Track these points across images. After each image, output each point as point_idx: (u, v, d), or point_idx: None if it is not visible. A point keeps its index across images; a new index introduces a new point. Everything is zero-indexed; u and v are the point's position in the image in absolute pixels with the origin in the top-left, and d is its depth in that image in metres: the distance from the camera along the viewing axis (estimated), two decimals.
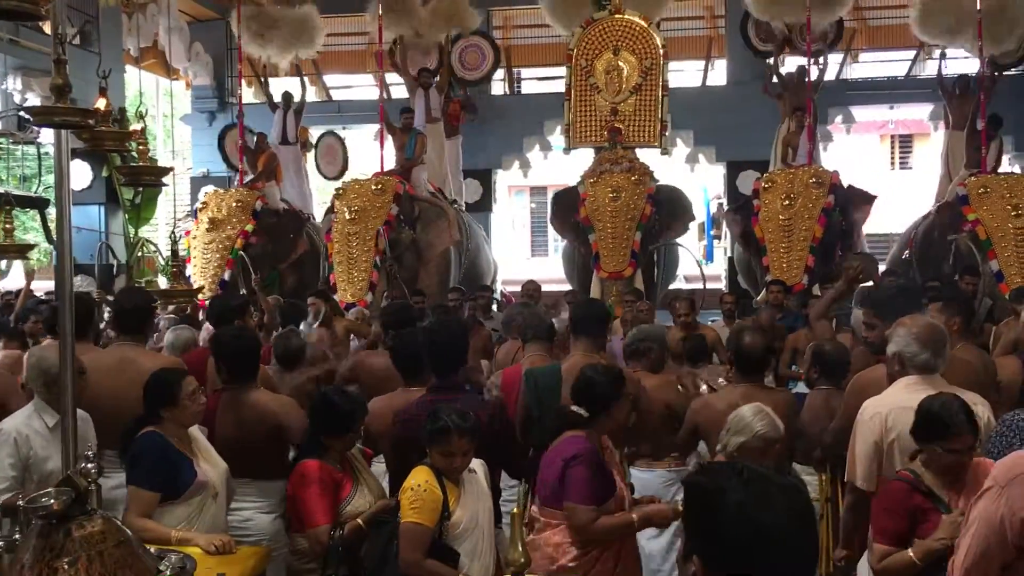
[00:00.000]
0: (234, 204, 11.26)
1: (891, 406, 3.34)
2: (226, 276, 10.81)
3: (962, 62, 14.00)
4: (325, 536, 3.34)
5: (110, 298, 7.66)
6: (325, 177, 14.35)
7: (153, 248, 13.48)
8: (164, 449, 3.43)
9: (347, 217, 10.60)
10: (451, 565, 3.18)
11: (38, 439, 3.59)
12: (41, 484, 3.49)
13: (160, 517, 3.38)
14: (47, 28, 11.99)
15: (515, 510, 2.85)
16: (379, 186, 10.88)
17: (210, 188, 12.77)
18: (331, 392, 3.70)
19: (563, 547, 3.30)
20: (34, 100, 12.18)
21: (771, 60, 12.84)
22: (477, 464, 3.46)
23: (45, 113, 2.52)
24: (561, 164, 16.59)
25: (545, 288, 9.19)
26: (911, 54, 15.48)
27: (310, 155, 14.13)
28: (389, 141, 11.95)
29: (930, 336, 3.40)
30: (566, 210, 10.76)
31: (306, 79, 14.71)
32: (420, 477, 3.23)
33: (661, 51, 10.85)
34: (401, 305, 6.18)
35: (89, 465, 2.38)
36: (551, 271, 14.71)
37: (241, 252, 10.72)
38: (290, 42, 13.17)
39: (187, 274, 10.64)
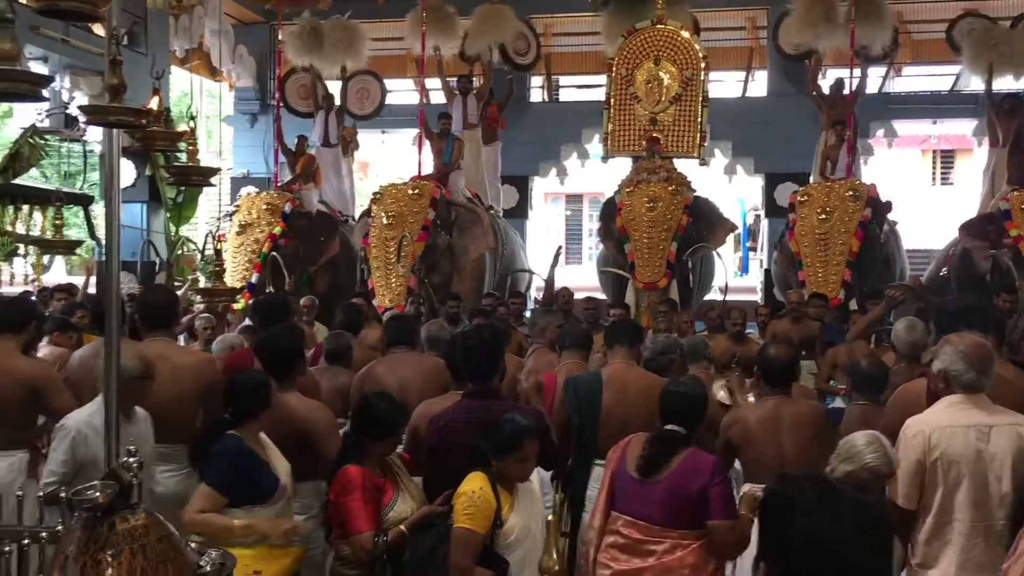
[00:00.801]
0: (263, 207, 11.30)
1: (934, 425, 3.29)
2: (254, 279, 10.85)
3: (1009, 79, 13.83)
4: (369, 543, 3.32)
5: None
6: (354, 116, 13.96)
7: (193, 247, 13.64)
8: (247, 456, 3.46)
9: (384, 222, 10.65)
10: (499, 574, 3.17)
11: (98, 439, 3.60)
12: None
13: (245, 519, 3.39)
14: (97, 28, 12.22)
15: (550, 518, 2.86)
16: (416, 191, 10.93)
17: (250, 189, 12.90)
18: (373, 396, 3.66)
19: (699, 567, 3.27)
20: (82, 99, 12.38)
21: (810, 65, 12.73)
22: (533, 474, 3.48)
23: (99, 112, 2.55)
24: (597, 172, 16.57)
25: (579, 296, 9.19)
26: (955, 68, 15.27)
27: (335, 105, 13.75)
28: (427, 146, 12.02)
29: (977, 355, 3.33)
30: (609, 218, 10.74)
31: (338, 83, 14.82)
32: (475, 483, 3.23)
33: (702, 62, 10.80)
34: (403, 318, 6.09)
35: (131, 460, 2.42)
36: (585, 279, 14.68)
37: (274, 254, 10.75)
38: (337, 54, 13.23)
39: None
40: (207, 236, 10.92)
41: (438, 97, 14.15)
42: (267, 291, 10.43)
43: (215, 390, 4.39)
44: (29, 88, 2.18)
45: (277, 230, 11.14)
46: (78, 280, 9.70)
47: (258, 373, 3.82)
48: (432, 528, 3.35)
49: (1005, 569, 2.56)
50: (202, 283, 9.87)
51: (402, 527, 3.39)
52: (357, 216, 13.24)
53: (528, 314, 9.40)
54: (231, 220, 11.31)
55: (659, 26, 10.93)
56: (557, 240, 24.94)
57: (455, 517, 3.21)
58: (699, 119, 10.71)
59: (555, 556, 2.78)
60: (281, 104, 13.16)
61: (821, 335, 7.61)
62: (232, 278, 10.59)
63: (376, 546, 3.32)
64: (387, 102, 15.94)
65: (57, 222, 3.31)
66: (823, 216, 10.15)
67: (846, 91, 11.81)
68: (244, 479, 3.43)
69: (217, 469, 3.40)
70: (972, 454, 3.23)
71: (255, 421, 3.56)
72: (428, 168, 11.81)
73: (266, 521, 3.35)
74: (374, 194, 11.32)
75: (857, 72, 11.80)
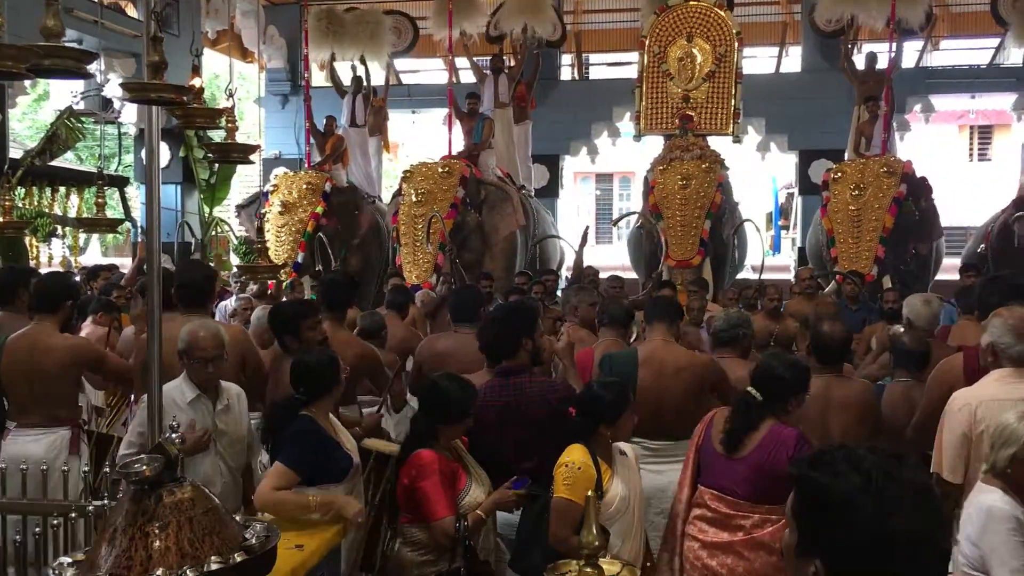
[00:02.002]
0: (304, 186, 11.33)
1: (981, 398, 3.29)
2: (299, 259, 10.91)
3: None
4: (452, 528, 3.28)
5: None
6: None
7: (227, 227, 13.74)
8: (319, 436, 3.52)
9: (413, 199, 10.68)
10: (601, 544, 3.17)
11: (176, 411, 3.63)
12: None
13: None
14: (130, 10, 12.30)
15: (590, 493, 2.86)
16: (446, 169, 10.93)
17: (282, 170, 12.96)
18: (442, 379, 3.57)
19: None
20: (116, 81, 12.45)
21: (845, 42, 12.56)
22: (628, 447, 3.53)
23: (140, 89, 2.56)
24: (627, 151, 16.45)
25: (606, 275, 9.15)
26: (994, 42, 14.97)
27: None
28: (458, 125, 12.00)
29: None
30: None
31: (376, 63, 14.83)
32: (576, 455, 3.29)
33: (736, 38, 10.67)
34: (442, 299, 6.22)
35: (174, 435, 2.45)
36: (615, 258, 14.62)
37: (321, 235, 10.80)
38: (358, 44, 13.27)
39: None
40: (255, 216, 11.00)
41: (468, 76, 14.11)
42: (315, 270, 10.52)
43: (250, 363, 4.51)
44: (75, 64, 2.19)
45: (319, 209, 11.19)
46: (117, 262, 9.79)
47: (324, 352, 3.87)
48: (537, 499, 3.39)
49: None
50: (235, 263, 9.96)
51: (479, 512, 3.36)
52: (383, 196, 13.32)
53: (559, 292, 9.38)
54: (268, 200, 11.34)
55: (692, 2, 10.80)
56: (587, 219, 24.99)
57: (555, 488, 3.26)
58: (733, 96, 10.60)
59: (594, 532, 2.78)
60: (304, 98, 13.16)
61: (839, 311, 7.60)
62: (278, 257, 10.65)
63: (458, 531, 3.29)
64: (417, 82, 15.95)
65: (100, 201, 3.35)
66: (856, 192, 10.06)
67: (881, 65, 11.63)
68: (319, 459, 3.47)
69: (292, 449, 3.43)
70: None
71: (327, 398, 3.63)
72: (458, 148, 11.79)
73: (342, 498, 3.39)
74: (404, 172, 11.34)
75: (895, 46, 11.60)
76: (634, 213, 10.34)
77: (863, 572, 1.38)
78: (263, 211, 11.17)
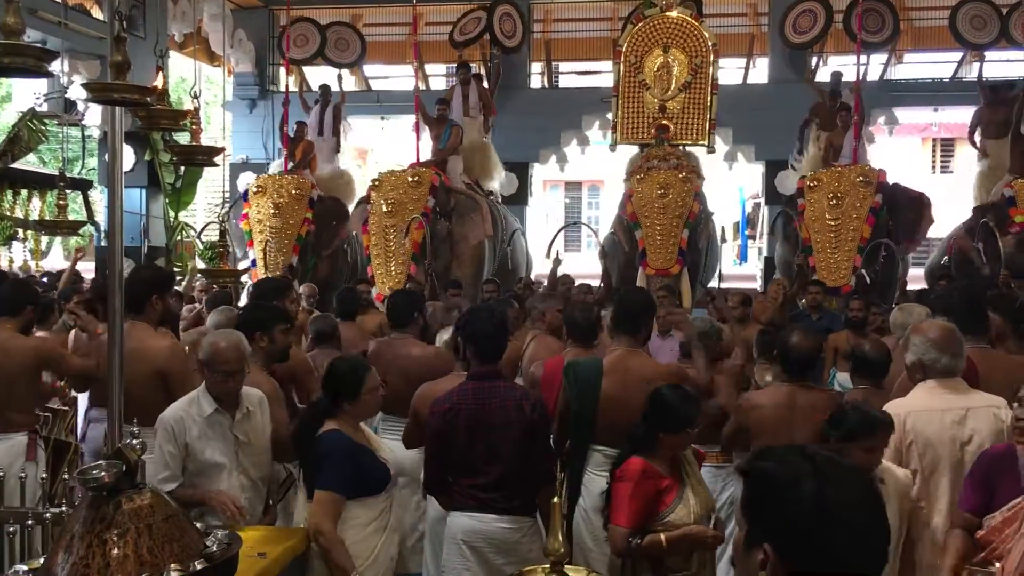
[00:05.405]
0: (295, 191, 11.15)
1: (909, 409, 3.36)
2: (293, 262, 10.75)
3: (1006, 66, 13.92)
4: (621, 540, 3.28)
5: None
6: (336, 64, 14.35)
7: (193, 232, 13.59)
8: (351, 450, 3.46)
9: (384, 209, 10.60)
10: None
11: (195, 427, 3.57)
12: (198, 474, 3.54)
13: (360, 510, 3.44)
14: (95, 12, 12.14)
15: (555, 500, 2.84)
16: (415, 178, 10.87)
17: (249, 174, 12.83)
18: (667, 389, 3.53)
19: None
20: (80, 83, 12.28)
21: (812, 56, 12.75)
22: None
23: (103, 90, 2.52)
24: (596, 159, 16.51)
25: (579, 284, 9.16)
26: (957, 56, 15.24)
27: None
28: (426, 132, 11.97)
29: (946, 339, 3.42)
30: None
31: (345, 70, 14.79)
32: None
33: (712, 49, 10.74)
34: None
35: (134, 441, 2.40)
36: (584, 266, 14.66)
37: (268, 239, 10.67)
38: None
39: (252, 258, 10.64)
40: (219, 219, 10.93)
41: (437, 83, 14.12)
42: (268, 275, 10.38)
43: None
44: (35, 63, 2.16)
45: (309, 215, 11.08)
46: (78, 267, 9.61)
47: (355, 359, 3.87)
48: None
49: (1008, 547, 2.56)
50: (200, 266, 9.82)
51: (662, 536, 3.29)
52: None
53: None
54: (247, 201, 11.14)
55: (668, 13, 10.87)
56: (556, 227, 25.01)
57: None
58: (708, 106, 10.65)
59: (560, 539, 2.76)
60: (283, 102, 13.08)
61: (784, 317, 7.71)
62: (273, 260, 10.48)
63: (629, 545, 3.27)
64: (385, 88, 15.92)
65: (61, 203, 3.29)
66: (834, 202, 10.09)
67: (847, 78, 11.81)
68: (358, 475, 3.44)
69: (332, 472, 3.40)
70: (947, 438, 3.29)
71: (357, 403, 3.55)
72: (427, 154, 11.75)
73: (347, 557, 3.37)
74: (373, 181, 11.27)
75: (863, 60, 11.78)
76: (573, 224, 10.43)
77: (810, 551, 1.43)
78: (244, 211, 11.01)
